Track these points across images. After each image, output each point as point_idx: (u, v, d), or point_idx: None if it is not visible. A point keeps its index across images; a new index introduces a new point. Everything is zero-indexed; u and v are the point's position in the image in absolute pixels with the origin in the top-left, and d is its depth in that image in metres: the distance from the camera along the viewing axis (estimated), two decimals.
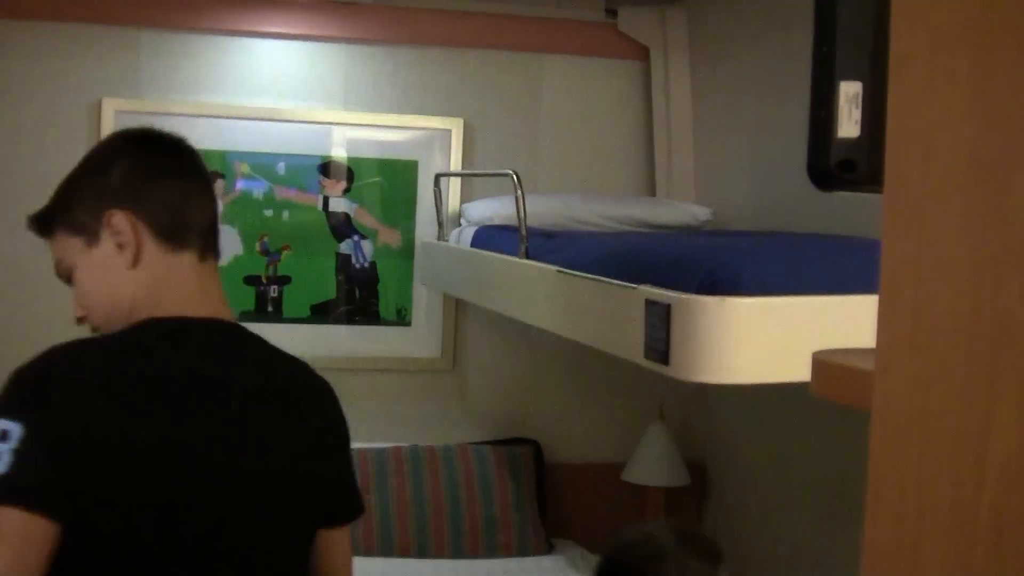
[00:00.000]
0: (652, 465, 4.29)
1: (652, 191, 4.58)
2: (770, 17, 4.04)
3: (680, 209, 4.14)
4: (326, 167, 4.32)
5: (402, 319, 4.42)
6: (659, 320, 2.27)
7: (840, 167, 1.08)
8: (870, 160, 1.07)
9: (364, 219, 4.36)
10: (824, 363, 1.05)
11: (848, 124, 1.07)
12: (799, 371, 2.25)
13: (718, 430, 4.52)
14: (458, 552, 4.03)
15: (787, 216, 3.87)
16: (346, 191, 4.34)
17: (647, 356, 2.32)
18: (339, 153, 4.34)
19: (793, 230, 3.67)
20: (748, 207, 4.17)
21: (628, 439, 4.42)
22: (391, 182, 4.38)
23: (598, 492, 4.49)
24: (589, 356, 3.38)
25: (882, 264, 0.93)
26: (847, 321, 2.20)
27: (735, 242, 2.61)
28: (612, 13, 4.50)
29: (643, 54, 4.54)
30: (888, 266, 0.93)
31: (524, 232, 3.21)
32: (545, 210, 3.78)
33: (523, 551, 4.11)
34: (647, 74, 4.56)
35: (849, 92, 1.07)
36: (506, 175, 3.35)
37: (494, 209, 3.95)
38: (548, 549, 4.20)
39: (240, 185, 4.27)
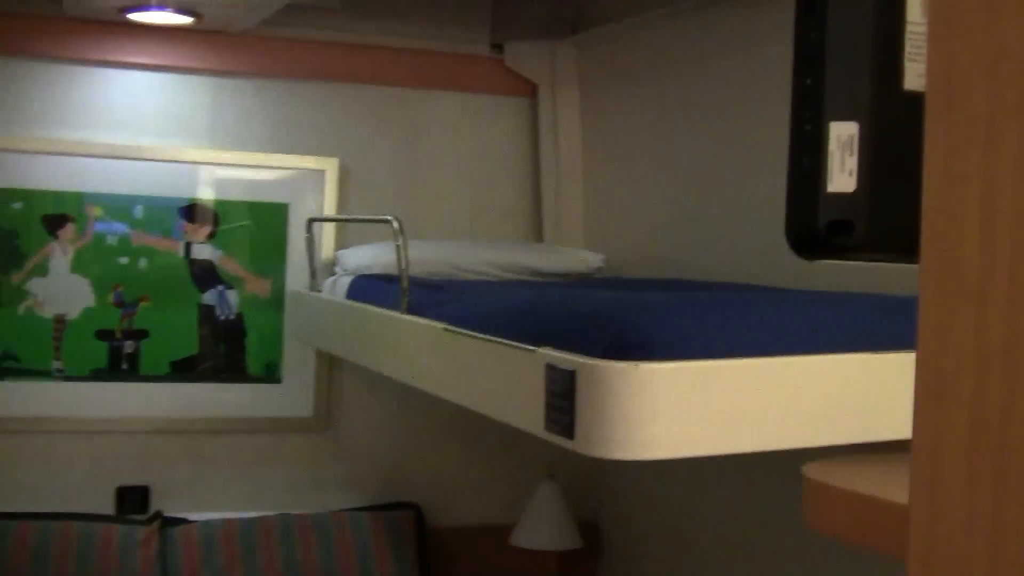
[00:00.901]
0: (542, 527, 4.02)
1: (540, 236, 4.33)
2: (665, 53, 3.83)
3: (571, 256, 3.90)
4: (189, 210, 3.99)
5: (271, 375, 4.09)
6: (562, 388, 1.99)
7: (831, 230, 0.82)
8: (871, 220, 0.81)
9: (230, 267, 4.04)
10: (826, 488, 0.77)
11: (841, 176, 0.81)
12: (723, 443, 1.99)
13: (612, 488, 4.26)
14: None
15: (685, 262, 3.65)
16: (211, 236, 4.01)
17: (548, 428, 2.04)
18: (204, 195, 4.02)
19: (693, 278, 3.45)
20: (642, 253, 3.95)
21: (516, 499, 4.15)
22: (260, 227, 4.07)
23: (485, 558, 4.21)
24: (473, 412, 3.11)
25: (920, 357, 0.65)
26: (779, 388, 1.96)
27: (644, 297, 2.34)
28: (498, 48, 4.27)
29: (531, 91, 4.31)
30: (928, 359, 0.65)
31: (406, 284, 2.92)
32: (427, 258, 3.51)
33: None
34: (535, 112, 4.32)
35: (842, 135, 0.81)
36: (386, 221, 3.07)
37: (372, 257, 3.67)
38: None
39: (94, 229, 3.92)
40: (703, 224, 3.62)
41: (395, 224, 3.01)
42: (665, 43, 3.82)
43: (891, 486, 0.71)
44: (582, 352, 2.00)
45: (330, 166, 4.10)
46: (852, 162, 0.79)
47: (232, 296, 4.04)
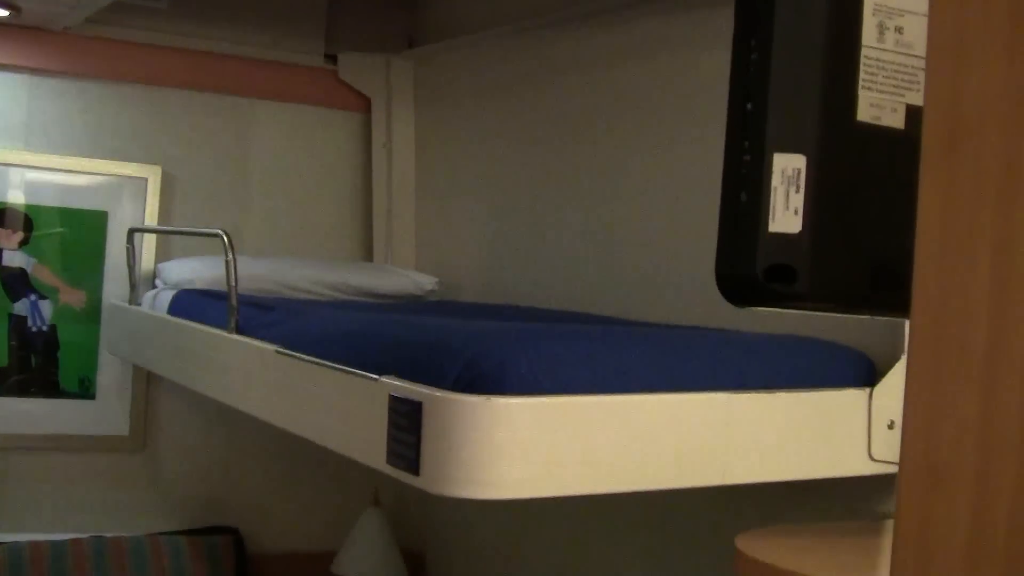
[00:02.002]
0: (365, 556, 3.90)
1: (370, 256, 4.21)
2: (502, 71, 3.76)
3: (402, 277, 3.80)
4: (0, 215, 3.76)
5: (85, 391, 3.89)
6: (407, 421, 1.89)
7: (769, 275, 0.74)
8: (816, 266, 0.73)
9: (43, 276, 3.82)
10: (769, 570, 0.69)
11: (784, 214, 0.73)
12: (579, 484, 1.90)
13: (439, 518, 4.15)
14: None
15: (517, 288, 3.58)
16: (23, 243, 3.79)
17: (391, 463, 1.93)
18: (16, 198, 3.80)
19: (526, 304, 3.37)
20: (474, 277, 3.86)
21: (340, 526, 4.01)
22: (76, 234, 3.86)
23: None
24: (295, 434, 2.95)
25: (905, 438, 0.58)
26: (641, 426, 1.88)
27: (493, 326, 2.24)
28: (332, 59, 4.15)
29: (364, 105, 4.20)
30: (917, 442, 0.58)
31: (234, 302, 2.78)
32: (252, 273, 3.38)
33: None
34: (368, 127, 4.20)
35: (787, 168, 0.73)
36: (215, 235, 2.92)
37: (195, 271, 3.51)
38: None
39: None
40: (537, 250, 3.55)
41: (225, 239, 2.86)
42: (503, 62, 3.74)
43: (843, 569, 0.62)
44: (429, 383, 1.89)
45: (152, 174, 3.92)
46: (798, 199, 0.71)
47: (45, 306, 3.82)
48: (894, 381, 2.15)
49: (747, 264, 0.73)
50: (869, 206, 0.66)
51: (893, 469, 2.15)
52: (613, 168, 3.23)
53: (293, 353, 2.36)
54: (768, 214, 0.72)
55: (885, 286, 0.72)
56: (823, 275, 0.72)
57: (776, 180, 0.72)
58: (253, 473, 4.11)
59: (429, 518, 4.20)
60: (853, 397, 2.13)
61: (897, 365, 2.16)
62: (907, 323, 1.84)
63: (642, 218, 3.09)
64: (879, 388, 2.14)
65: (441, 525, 4.14)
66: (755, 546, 0.70)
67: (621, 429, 1.88)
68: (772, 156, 0.72)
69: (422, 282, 3.78)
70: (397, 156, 4.15)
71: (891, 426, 2.14)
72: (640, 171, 3.12)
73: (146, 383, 3.95)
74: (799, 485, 2.14)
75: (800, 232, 0.72)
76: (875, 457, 2.14)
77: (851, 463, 2.13)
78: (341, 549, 3.92)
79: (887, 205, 0.71)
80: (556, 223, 3.45)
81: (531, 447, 1.81)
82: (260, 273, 3.48)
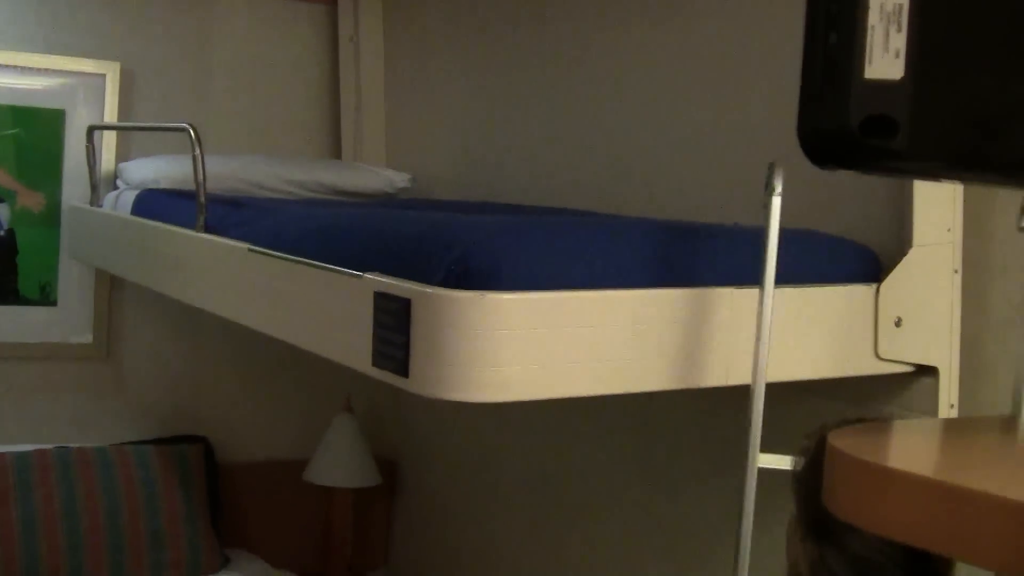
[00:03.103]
0: (338, 463, 3.82)
1: (338, 153, 4.08)
2: None
3: (374, 174, 3.68)
4: None
5: (46, 298, 3.75)
6: (394, 320, 1.77)
7: (866, 129, 0.62)
8: (920, 119, 0.62)
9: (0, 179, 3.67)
10: (877, 471, 0.58)
11: (883, 58, 0.61)
12: (576, 384, 1.80)
13: (412, 422, 4.06)
14: (119, 573, 3.42)
15: (493, 184, 3.46)
16: None
17: (377, 364, 1.82)
18: None
19: (503, 200, 3.26)
20: (448, 174, 3.74)
21: (311, 433, 3.92)
22: (31, 135, 3.70)
23: (278, 495, 3.98)
24: (265, 338, 2.79)
25: None
26: (639, 323, 1.77)
27: (483, 219, 2.12)
28: None
29: None
30: None
31: (203, 200, 2.65)
32: (218, 172, 3.24)
33: (194, 569, 3.55)
34: (334, 20, 4.05)
35: (886, 4, 0.61)
36: (181, 129, 2.78)
37: (160, 170, 3.38)
38: (223, 563, 3.66)
39: None
40: (514, 144, 3.42)
41: (192, 133, 2.73)
42: None
43: (966, 470, 0.52)
44: (417, 279, 1.78)
45: (111, 71, 3.76)
46: (899, 40, 0.60)
47: (2, 210, 3.68)
48: (901, 277, 2.05)
49: (839, 116, 0.61)
50: (982, 47, 0.54)
51: (900, 368, 2.06)
52: (594, 53, 3.09)
53: (267, 251, 2.24)
54: (864, 57, 0.61)
55: (999, 143, 0.61)
56: (928, 129, 0.61)
57: (874, 17, 0.61)
58: (222, 380, 3.99)
59: (403, 423, 4.11)
60: (859, 293, 2.02)
61: (904, 260, 2.06)
62: (915, 215, 1.72)
63: (627, 105, 2.97)
64: (886, 284, 2.04)
65: (415, 430, 4.05)
66: (858, 444, 0.59)
67: (622, 326, 1.77)
68: None
69: (395, 179, 3.65)
70: (365, 49, 4.00)
71: (898, 323, 2.04)
72: (625, 52, 2.98)
73: (109, 288, 3.82)
74: (798, 386, 2.05)
75: (902, 78, 0.60)
76: (882, 356, 2.05)
77: (857, 362, 2.03)
78: (313, 456, 3.84)
79: (1003, 46, 0.60)
80: (534, 115, 3.32)
81: (528, 346, 1.70)
82: (225, 172, 3.34)
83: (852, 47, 0.61)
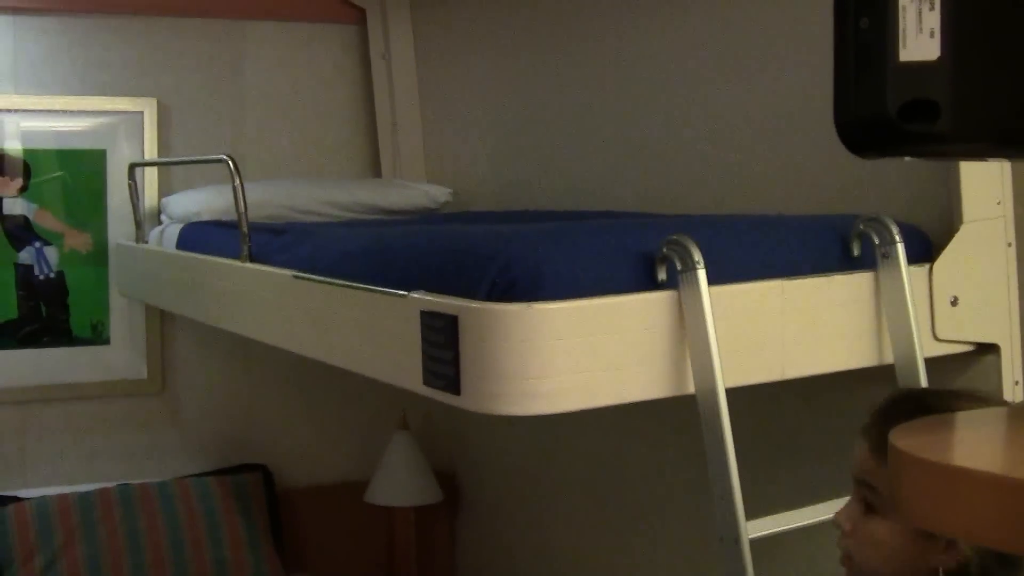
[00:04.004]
0: (398, 482, 3.80)
1: (377, 171, 4.07)
2: None
3: (414, 191, 3.67)
4: None
5: (99, 336, 3.77)
6: (442, 337, 1.76)
7: (905, 114, 0.60)
8: (962, 100, 0.59)
9: (46, 222, 3.70)
10: (950, 471, 0.55)
11: (918, 39, 0.59)
12: (629, 390, 1.78)
13: (469, 434, 4.04)
14: None
15: (533, 193, 3.44)
16: (23, 190, 3.66)
17: (428, 383, 1.81)
18: (11, 145, 3.67)
19: (546, 208, 3.24)
20: (488, 185, 3.72)
21: (369, 454, 3.91)
22: (75, 177, 3.73)
23: (339, 517, 3.98)
24: (317, 362, 2.79)
25: None
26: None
27: (523, 228, 2.11)
28: None
29: (359, 17, 4.05)
30: None
31: (246, 229, 2.65)
32: (259, 200, 3.25)
33: None
34: (364, 39, 4.04)
35: None
36: (219, 161, 2.79)
37: (201, 202, 3.38)
38: None
39: None
40: (548, 152, 3.40)
41: (230, 164, 2.74)
42: None
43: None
44: (462, 294, 1.77)
45: (148, 107, 3.78)
46: (933, 18, 0.57)
47: (51, 253, 3.70)
48: (953, 255, 2.02)
49: (876, 103, 0.59)
50: (1021, 20, 0.51)
51: (959, 348, 2.02)
52: (625, 56, 3.07)
53: (311, 276, 2.23)
54: (898, 40, 0.58)
55: None
56: (971, 109, 0.58)
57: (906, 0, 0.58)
58: (276, 408, 4.00)
59: (459, 438, 4.09)
60: (912, 275, 1.99)
61: (955, 237, 2.02)
62: (963, 191, 1.68)
63: (659, 105, 2.94)
64: (938, 264, 2.01)
65: (473, 444, 4.04)
66: (925, 444, 0.57)
67: (672, 327, 1.74)
68: None
69: (435, 194, 3.64)
70: (397, 66, 3.99)
71: (954, 302, 2.00)
72: (656, 54, 2.96)
73: (160, 323, 3.83)
74: (859, 374, 2.01)
75: (939, 58, 0.58)
76: (940, 337, 2.01)
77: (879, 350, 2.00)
78: (373, 477, 3.82)
79: None
80: (569, 120, 3.30)
81: (578, 355, 1.68)
82: (266, 199, 3.35)
83: (884, 30, 0.59)
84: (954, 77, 0.58)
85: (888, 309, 1.96)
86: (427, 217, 3.50)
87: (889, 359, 1.98)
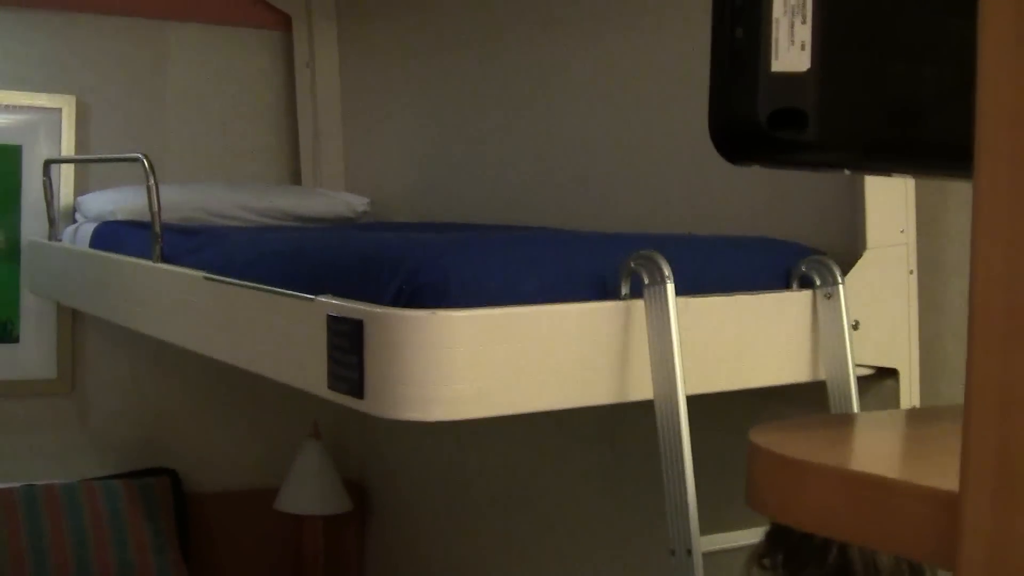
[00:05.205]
0: (308, 490, 3.79)
1: (298, 178, 4.06)
2: None
3: (333, 199, 3.66)
4: None
5: (8, 334, 3.73)
6: (347, 341, 1.76)
7: (775, 122, 0.62)
8: (828, 109, 0.62)
9: None
10: (798, 465, 0.57)
11: (789, 50, 0.61)
12: (530, 399, 1.79)
13: (379, 444, 4.04)
14: None
15: (454, 205, 3.45)
16: None
17: (333, 387, 1.81)
18: None
19: (466, 221, 3.25)
20: (409, 196, 3.73)
21: (279, 461, 3.89)
22: None
23: (248, 524, 3.95)
24: (230, 367, 2.77)
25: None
26: (593, 335, 1.77)
27: (432, 237, 2.12)
28: None
29: (285, 23, 4.04)
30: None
31: (158, 229, 2.64)
32: (176, 202, 3.22)
33: None
34: (289, 46, 4.04)
35: None
36: (135, 159, 2.78)
37: (116, 202, 3.36)
38: None
39: None
40: (472, 164, 3.42)
41: (145, 163, 2.72)
42: None
43: (881, 459, 0.52)
44: (368, 300, 1.77)
45: (67, 104, 3.75)
46: (804, 32, 0.59)
47: None
48: (856, 280, 2.05)
49: (747, 110, 0.61)
50: (890, 33, 0.54)
51: (861, 372, 2.06)
52: (547, 72, 3.09)
53: (222, 278, 2.23)
54: (770, 51, 0.60)
55: (911, 130, 0.61)
56: (837, 119, 0.60)
57: (778, 10, 0.61)
58: (187, 411, 3.97)
59: (370, 447, 4.09)
60: (813, 299, 2.03)
61: (858, 263, 2.06)
62: (868, 217, 1.72)
63: (579, 122, 2.97)
64: (843, 288, 2.04)
65: (383, 453, 4.03)
66: (777, 440, 0.58)
67: (573, 340, 1.76)
68: None
69: (354, 203, 3.64)
70: (321, 74, 3.99)
71: (856, 327, 2.04)
72: (577, 71, 2.98)
73: (71, 322, 3.79)
74: (758, 393, 2.05)
75: (808, 70, 0.60)
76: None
77: (814, 367, 2.04)
78: (283, 484, 3.81)
79: (910, 32, 0.59)
80: (491, 134, 3.32)
81: (481, 363, 1.70)
82: (183, 200, 3.33)
83: (758, 41, 0.61)
84: (822, 88, 0.60)
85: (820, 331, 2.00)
86: (344, 226, 3.50)
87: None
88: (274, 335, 2.02)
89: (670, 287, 1.77)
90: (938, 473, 0.53)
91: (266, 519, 3.85)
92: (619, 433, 2.85)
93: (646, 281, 1.79)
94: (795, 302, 2.02)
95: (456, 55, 3.49)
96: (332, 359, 1.81)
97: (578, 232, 2.54)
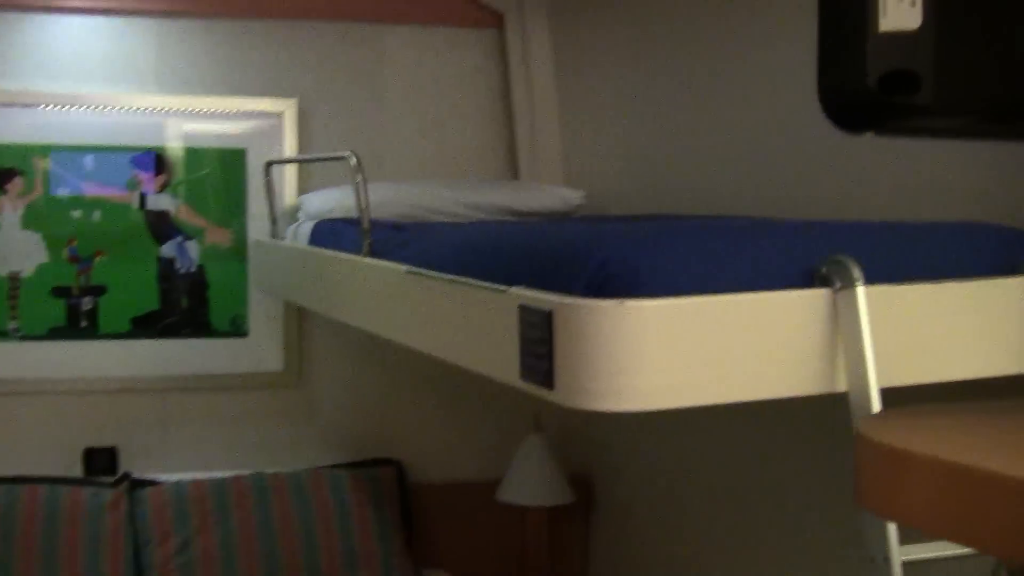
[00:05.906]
0: (530, 482, 3.81)
1: (515, 174, 4.10)
2: None
3: (548, 193, 3.68)
4: (142, 159, 3.76)
5: (237, 330, 3.87)
6: (538, 332, 1.76)
7: (886, 85, 0.59)
8: (944, 71, 0.58)
9: (188, 217, 3.81)
10: (907, 457, 0.54)
11: (898, 7, 0.58)
12: (721, 391, 1.76)
13: (603, 439, 4.04)
14: None
15: (674, 197, 3.41)
16: (165, 186, 3.78)
17: (524, 377, 1.82)
18: (157, 143, 3.79)
19: (686, 213, 3.21)
20: (625, 188, 3.72)
21: (502, 453, 3.93)
22: (217, 174, 3.85)
23: (471, 515, 4.01)
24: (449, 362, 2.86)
25: None
26: (780, 325, 1.72)
27: (626, 228, 2.10)
28: None
29: (497, 21, 4.08)
30: None
31: (367, 225, 2.70)
32: (393, 199, 3.30)
33: None
34: (503, 44, 4.08)
35: None
36: (342, 158, 2.84)
37: (334, 200, 3.45)
38: None
39: (43, 182, 3.72)
40: (691, 155, 3.38)
41: (352, 160, 2.78)
42: None
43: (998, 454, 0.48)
44: (559, 290, 1.77)
45: (288, 108, 3.87)
46: None
47: (192, 247, 3.81)
48: None
49: (856, 75, 0.58)
50: None
51: None
52: (774, 63, 3.03)
53: (421, 271, 2.26)
54: (878, 8, 0.57)
55: None
56: (953, 81, 0.56)
57: None
58: (412, 404, 4.05)
59: (594, 440, 4.09)
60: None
61: None
62: None
63: (779, 112, 2.90)
64: None
65: (606, 447, 4.03)
66: (888, 430, 0.55)
67: (768, 329, 1.72)
68: None
69: (568, 196, 3.64)
70: (535, 69, 4.01)
71: None
72: (776, 62, 2.92)
73: (298, 318, 3.92)
74: (977, 384, 1.95)
75: (920, 27, 0.57)
76: None
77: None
78: (505, 476, 3.84)
79: None
80: (706, 124, 3.28)
81: (670, 353, 1.67)
82: (400, 198, 3.40)
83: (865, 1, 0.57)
84: (936, 47, 0.57)
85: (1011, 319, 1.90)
86: (556, 219, 3.50)
87: None
88: (470, 326, 2.04)
89: (860, 290, 1.71)
90: None
91: (489, 510, 3.90)
92: (839, 430, 2.77)
93: (837, 285, 1.74)
94: (1007, 289, 1.92)
95: (674, 47, 3.45)
96: (524, 349, 1.81)
97: (773, 220, 2.49)
